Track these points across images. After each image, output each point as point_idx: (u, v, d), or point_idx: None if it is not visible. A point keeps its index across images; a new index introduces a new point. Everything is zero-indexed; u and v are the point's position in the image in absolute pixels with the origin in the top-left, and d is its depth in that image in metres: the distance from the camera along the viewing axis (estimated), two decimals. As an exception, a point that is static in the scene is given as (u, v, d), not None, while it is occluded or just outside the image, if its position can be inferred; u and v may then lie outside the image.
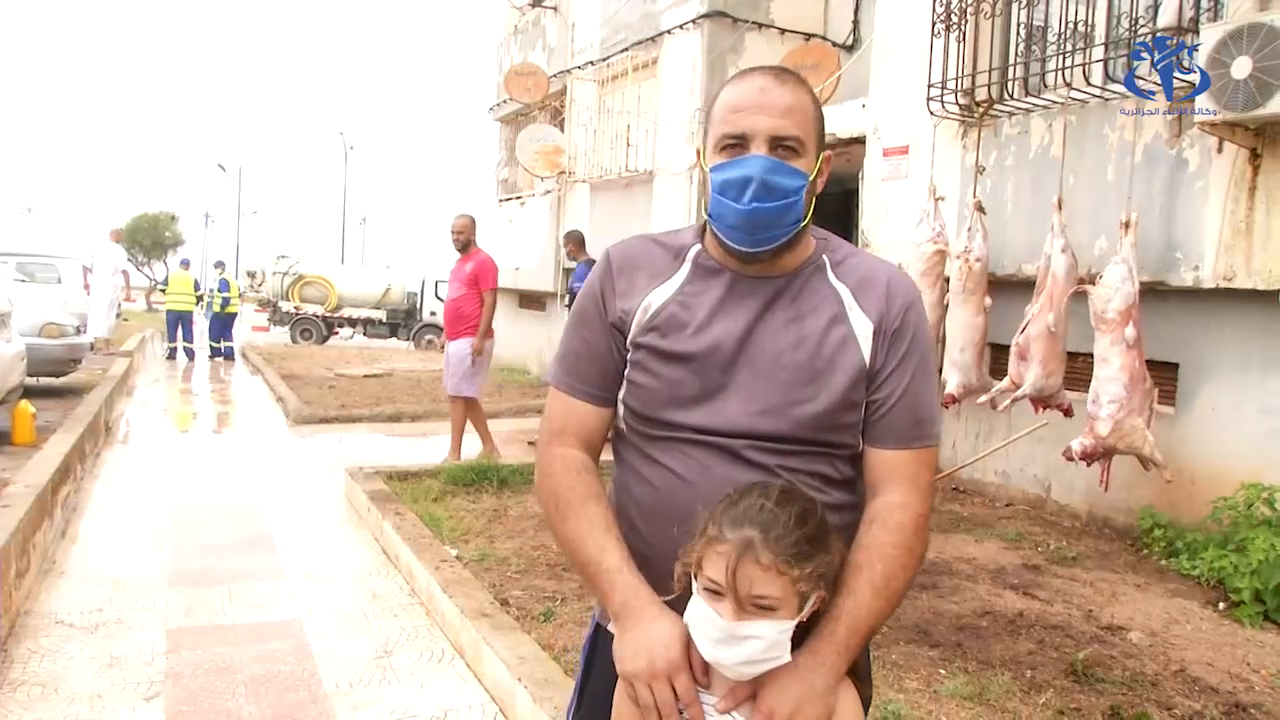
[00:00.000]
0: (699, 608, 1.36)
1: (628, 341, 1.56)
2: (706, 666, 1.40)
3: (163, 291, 17.88)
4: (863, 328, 1.51)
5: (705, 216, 1.55)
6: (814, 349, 1.49)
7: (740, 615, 1.32)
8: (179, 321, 16.98)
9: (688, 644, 1.39)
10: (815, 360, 1.49)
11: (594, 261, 9.15)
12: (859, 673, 1.48)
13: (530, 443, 9.08)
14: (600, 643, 1.61)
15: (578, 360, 1.61)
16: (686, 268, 1.57)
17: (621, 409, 1.60)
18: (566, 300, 9.48)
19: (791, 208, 1.46)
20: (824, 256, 1.56)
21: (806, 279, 1.54)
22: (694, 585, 1.38)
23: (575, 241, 9.52)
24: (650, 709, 1.37)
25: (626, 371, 1.58)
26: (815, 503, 1.40)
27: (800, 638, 1.39)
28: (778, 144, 1.46)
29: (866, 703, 1.58)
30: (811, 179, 1.49)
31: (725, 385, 1.50)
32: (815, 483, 1.49)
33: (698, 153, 1.59)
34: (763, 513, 1.34)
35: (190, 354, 16.97)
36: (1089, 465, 5.46)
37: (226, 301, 17.36)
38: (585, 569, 1.51)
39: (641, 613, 1.42)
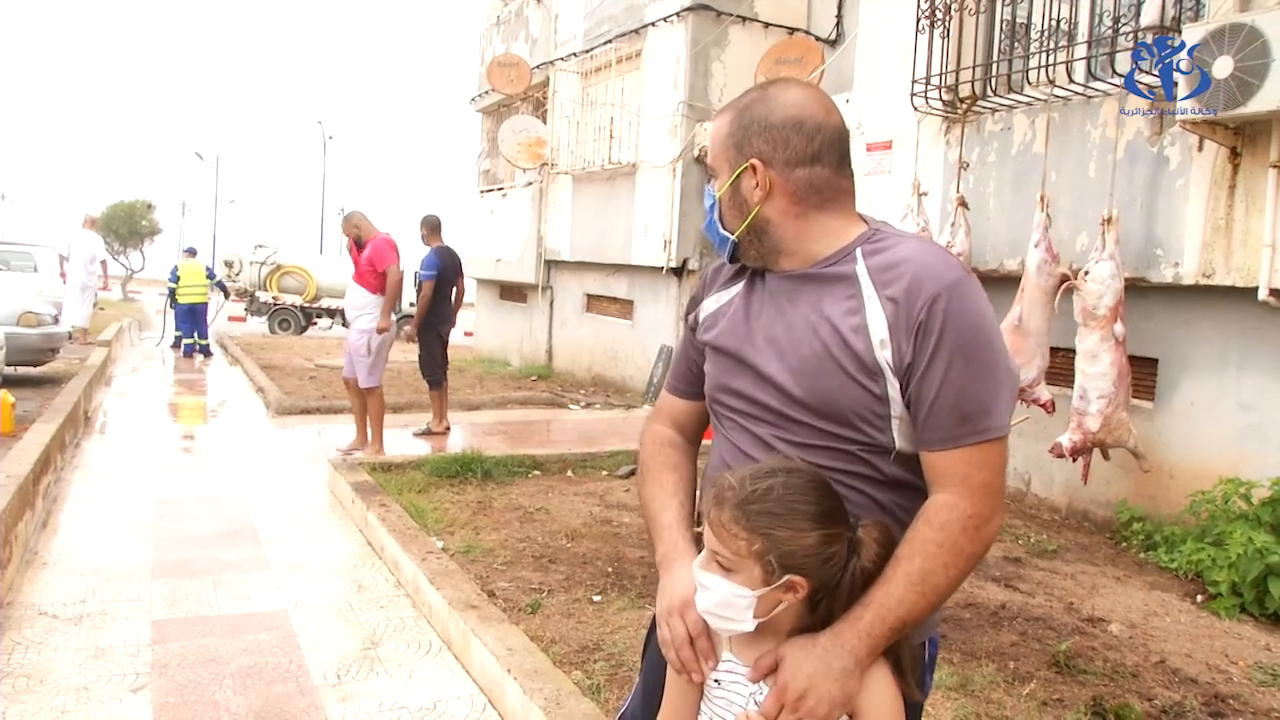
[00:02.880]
0: None
1: (697, 339, 1.75)
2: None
3: (175, 283, 16.49)
4: (876, 319, 1.47)
5: None
6: (827, 338, 1.50)
7: (705, 564, 1.45)
8: (190, 313, 16.01)
9: None
10: (830, 349, 1.49)
11: (445, 248, 8.98)
12: (904, 672, 1.47)
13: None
14: None
15: (676, 361, 1.86)
16: (745, 276, 1.70)
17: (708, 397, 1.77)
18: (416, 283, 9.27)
19: (713, 223, 1.66)
20: (858, 249, 1.54)
21: (833, 272, 1.54)
22: None
23: (429, 227, 9.15)
24: (668, 644, 1.54)
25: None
26: (821, 487, 1.43)
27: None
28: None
29: (916, 710, 1.58)
30: (718, 195, 1.63)
31: (752, 373, 1.60)
32: (854, 482, 1.49)
33: None
34: (746, 479, 1.43)
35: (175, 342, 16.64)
36: (1075, 460, 5.52)
37: (171, 293, 16.18)
38: (649, 525, 1.74)
39: (675, 562, 1.62)
